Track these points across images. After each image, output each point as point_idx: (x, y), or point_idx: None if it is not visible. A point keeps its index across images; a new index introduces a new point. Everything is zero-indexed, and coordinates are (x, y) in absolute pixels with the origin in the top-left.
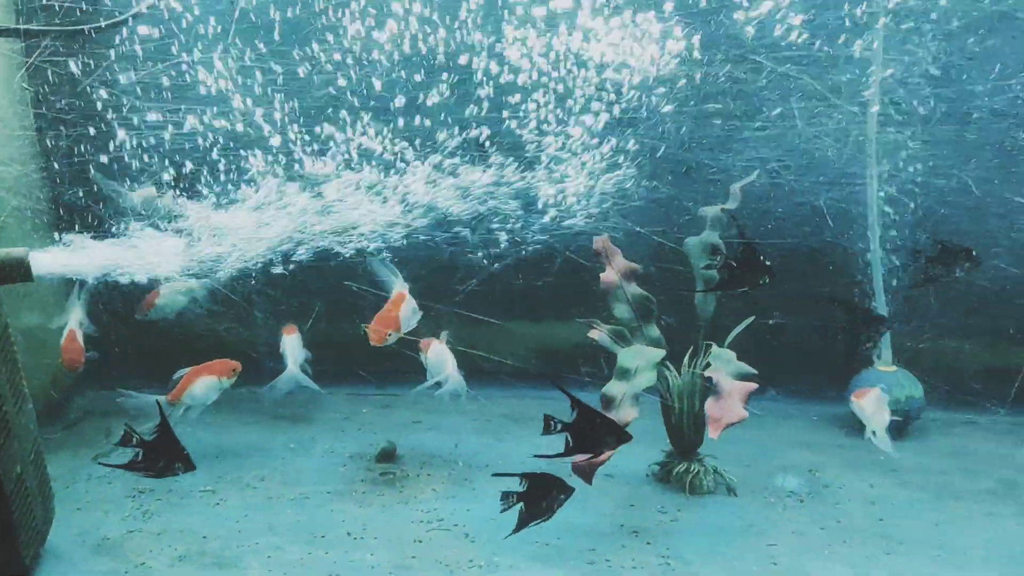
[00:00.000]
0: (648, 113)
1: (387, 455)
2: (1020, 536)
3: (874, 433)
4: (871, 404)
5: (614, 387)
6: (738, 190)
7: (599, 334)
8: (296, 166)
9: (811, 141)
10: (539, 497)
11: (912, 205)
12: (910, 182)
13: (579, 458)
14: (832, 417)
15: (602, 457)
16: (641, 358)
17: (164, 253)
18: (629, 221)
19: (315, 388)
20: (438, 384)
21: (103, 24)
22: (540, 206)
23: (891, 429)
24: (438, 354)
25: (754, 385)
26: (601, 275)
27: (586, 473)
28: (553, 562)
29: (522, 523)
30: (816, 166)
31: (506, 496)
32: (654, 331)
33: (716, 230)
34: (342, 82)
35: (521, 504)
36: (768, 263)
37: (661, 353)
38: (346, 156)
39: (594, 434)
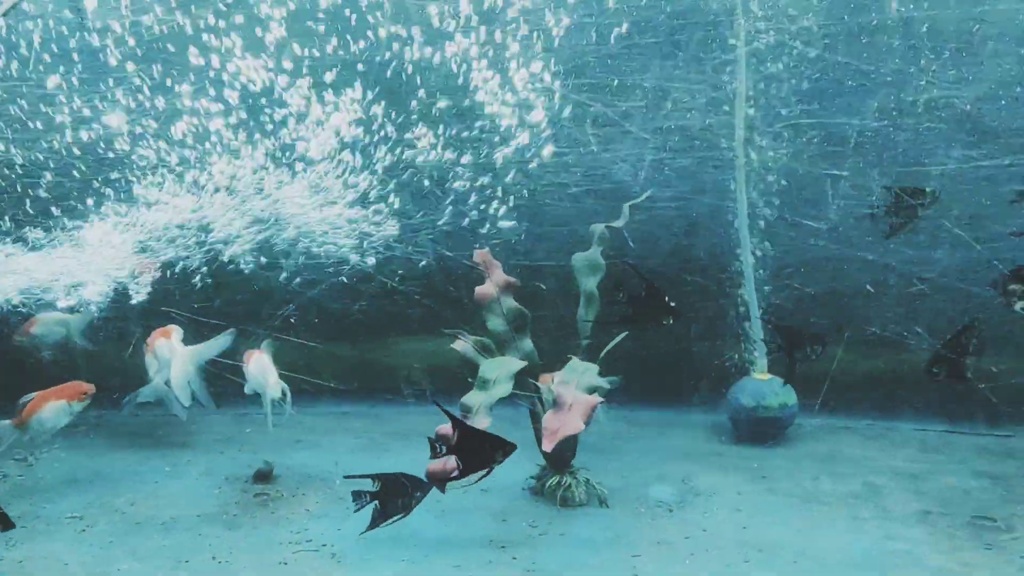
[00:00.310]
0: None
1: (263, 476)
2: (877, 539)
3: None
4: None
5: (472, 397)
6: (627, 208)
7: (463, 345)
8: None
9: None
10: (394, 495)
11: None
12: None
13: (434, 465)
14: (712, 425)
15: (447, 466)
16: (501, 369)
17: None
18: (439, 246)
19: (180, 407)
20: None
21: None
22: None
23: (762, 435)
24: (260, 366)
25: (597, 399)
26: (477, 288)
27: (440, 481)
28: None
29: (376, 521)
30: (619, 189)
31: (358, 495)
32: (527, 344)
33: (601, 246)
34: None
35: (375, 503)
36: (672, 304)
37: (521, 364)
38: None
39: (480, 451)
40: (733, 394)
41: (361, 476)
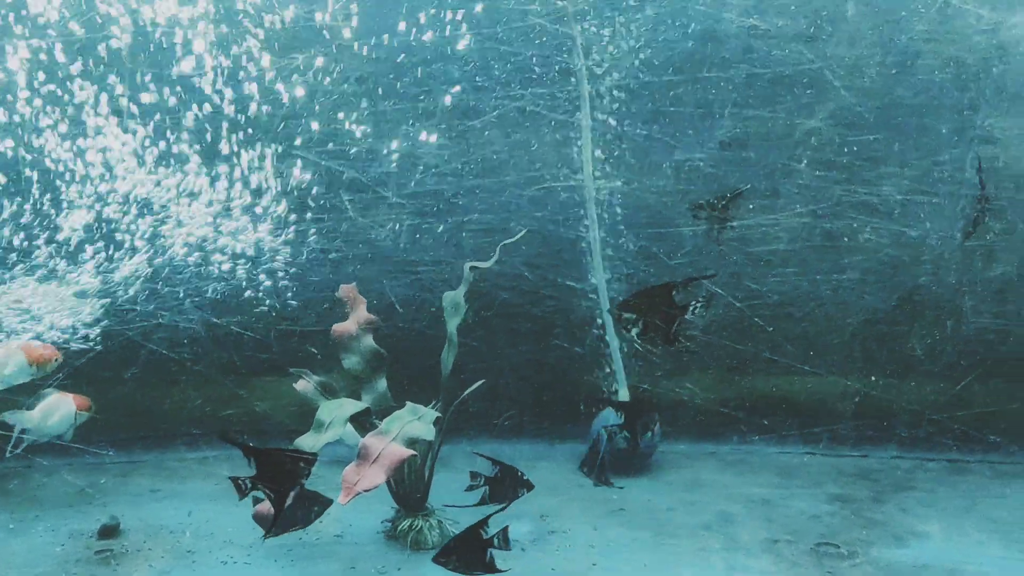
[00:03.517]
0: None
1: (108, 531)
2: (721, 572)
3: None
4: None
5: (305, 439)
6: (499, 249)
7: (305, 386)
8: None
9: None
10: (294, 507)
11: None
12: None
13: (261, 508)
14: (579, 457)
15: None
16: (338, 412)
17: None
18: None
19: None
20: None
21: None
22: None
23: (625, 467)
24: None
25: (407, 453)
26: (336, 325)
27: (264, 521)
28: None
29: (274, 529)
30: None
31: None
32: (382, 384)
33: (466, 287)
34: None
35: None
36: (525, 476)
37: (360, 406)
38: None
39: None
40: (595, 426)
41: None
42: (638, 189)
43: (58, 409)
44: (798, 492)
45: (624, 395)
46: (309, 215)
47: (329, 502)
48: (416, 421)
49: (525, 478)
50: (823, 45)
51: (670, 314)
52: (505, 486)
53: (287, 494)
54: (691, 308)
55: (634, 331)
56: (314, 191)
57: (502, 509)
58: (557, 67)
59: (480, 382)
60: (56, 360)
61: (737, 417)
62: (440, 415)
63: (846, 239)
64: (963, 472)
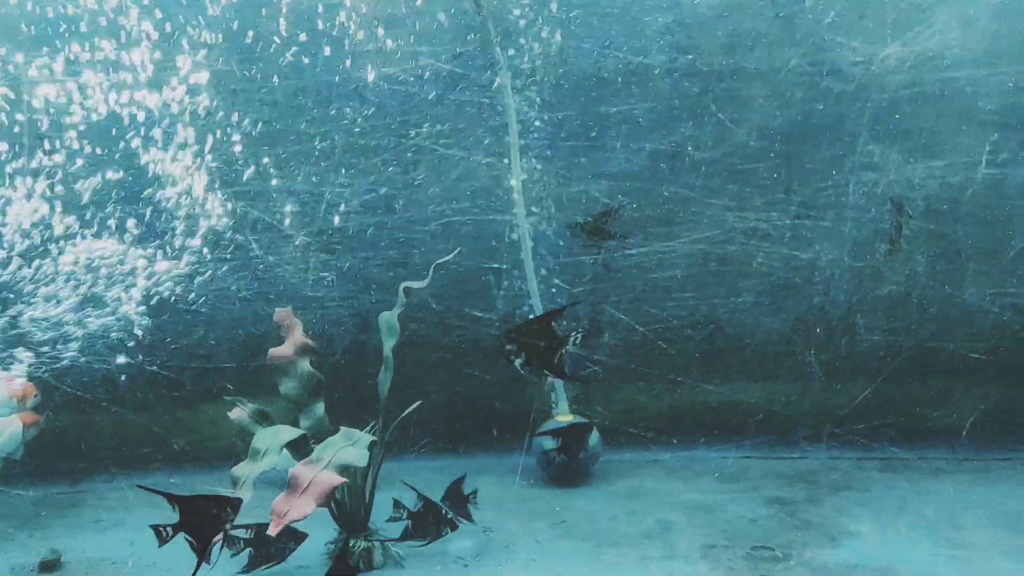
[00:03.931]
0: None
1: (48, 566)
2: None
3: None
4: None
5: (241, 468)
6: (432, 268)
7: (239, 414)
8: None
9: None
10: (267, 543)
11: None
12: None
13: None
14: (524, 470)
15: None
16: (273, 439)
17: None
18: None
19: None
20: None
21: None
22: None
23: (568, 478)
24: None
25: (338, 481)
26: (272, 349)
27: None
28: None
29: (251, 566)
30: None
31: (232, 541)
32: (320, 408)
33: (400, 308)
34: None
35: (249, 549)
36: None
37: (296, 433)
38: None
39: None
40: (537, 438)
41: (243, 526)
42: (535, 221)
43: (5, 429)
44: (738, 497)
45: (564, 409)
46: (218, 254)
47: (304, 536)
48: (349, 447)
49: (449, 517)
50: (705, 79)
51: (551, 344)
52: (427, 522)
53: (209, 540)
54: (571, 339)
55: (517, 362)
56: (222, 231)
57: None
58: (454, 102)
59: (417, 404)
60: (35, 396)
61: (681, 422)
62: (375, 439)
63: (740, 264)
64: (898, 470)
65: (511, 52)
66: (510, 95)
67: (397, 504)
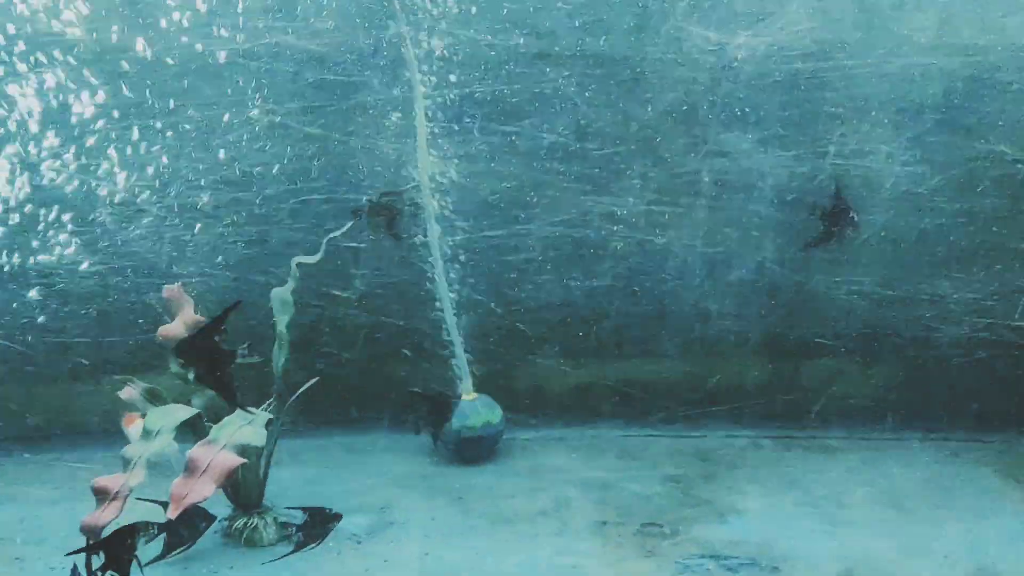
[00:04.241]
0: None
1: None
2: (549, 555)
3: None
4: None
5: (132, 449)
6: (325, 243)
7: (130, 393)
8: None
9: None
10: (177, 526)
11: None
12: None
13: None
14: (431, 448)
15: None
16: (166, 419)
17: None
18: None
19: None
20: None
21: None
22: None
23: (471, 456)
24: None
25: (237, 461)
26: (162, 327)
27: (93, 532)
28: None
29: (167, 550)
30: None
31: (146, 526)
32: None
33: (294, 283)
34: None
35: (163, 534)
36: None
37: (191, 412)
38: None
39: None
40: (455, 416)
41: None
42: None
43: None
44: (635, 474)
45: (468, 387)
46: (70, 228)
47: (214, 517)
48: (246, 426)
49: (333, 512)
50: (562, 63)
51: (216, 358)
52: (316, 528)
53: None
54: (239, 354)
55: (191, 377)
56: (74, 205)
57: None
58: (311, 79)
59: (313, 380)
60: None
61: (587, 400)
62: (272, 417)
63: (595, 249)
64: (792, 448)
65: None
66: (416, 71)
67: (285, 524)
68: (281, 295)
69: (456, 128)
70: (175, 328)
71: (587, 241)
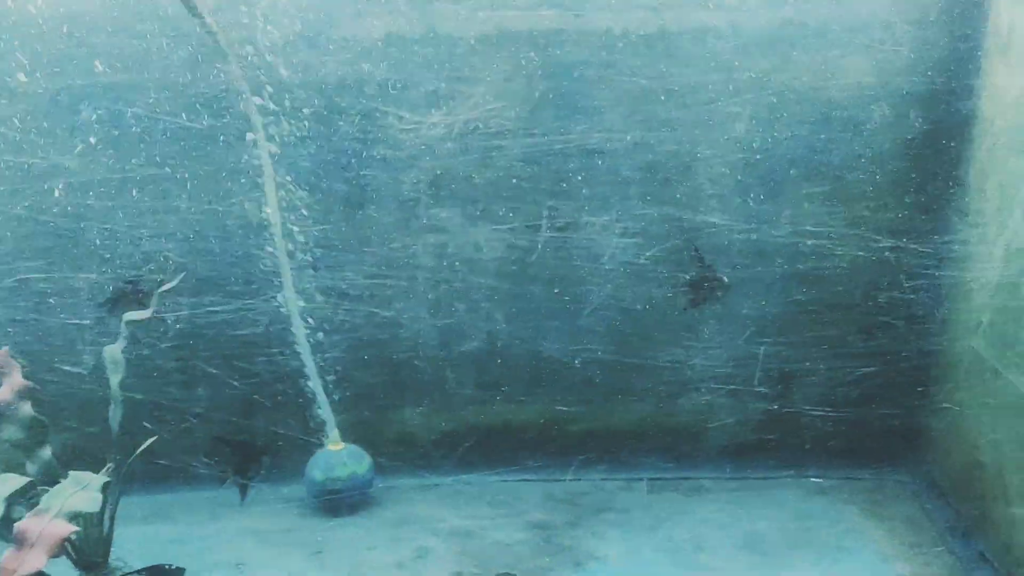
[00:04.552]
0: None
1: None
2: None
3: None
4: None
5: None
6: (156, 297)
7: None
8: None
9: None
10: None
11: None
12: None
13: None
14: (299, 500)
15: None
16: None
17: None
18: None
19: None
20: None
21: None
22: None
23: (337, 507)
24: None
25: (68, 530)
26: None
27: None
28: None
29: None
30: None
31: None
32: (47, 453)
33: (123, 343)
34: None
35: None
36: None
37: (23, 481)
38: None
39: None
40: (308, 468)
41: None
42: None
43: None
44: (502, 521)
45: (335, 438)
46: None
47: None
48: (80, 492)
49: (174, 568)
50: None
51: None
52: None
53: None
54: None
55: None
56: None
57: None
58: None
59: (152, 439)
60: None
61: (461, 446)
62: (108, 479)
63: (324, 323)
64: (661, 491)
65: None
66: (260, 126)
67: None
68: (112, 354)
69: None
70: (3, 394)
71: (315, 316)
